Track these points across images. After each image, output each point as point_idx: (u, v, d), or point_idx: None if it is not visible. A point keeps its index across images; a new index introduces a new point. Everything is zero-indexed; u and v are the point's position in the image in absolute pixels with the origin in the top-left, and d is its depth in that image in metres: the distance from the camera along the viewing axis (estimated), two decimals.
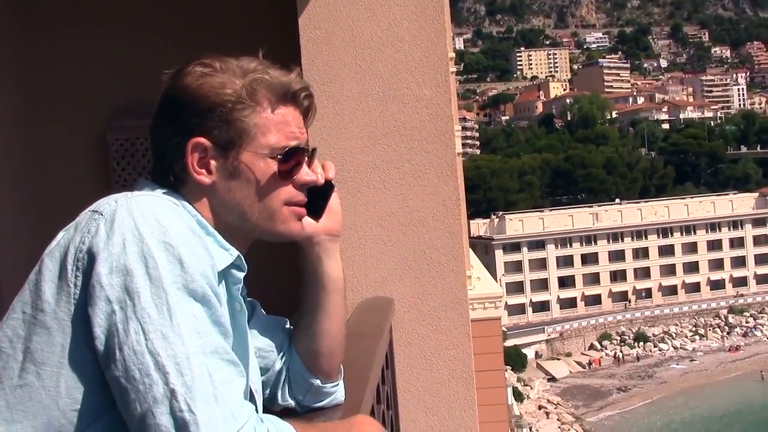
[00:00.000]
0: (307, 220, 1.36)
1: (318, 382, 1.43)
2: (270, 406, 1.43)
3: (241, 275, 1.24)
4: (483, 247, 64.19)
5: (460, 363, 2.64)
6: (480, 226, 70.39)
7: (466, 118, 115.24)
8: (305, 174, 1.29)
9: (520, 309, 68.47)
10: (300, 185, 1.28)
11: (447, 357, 2.64)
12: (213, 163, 1.23)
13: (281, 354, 1.43)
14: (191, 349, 1.01)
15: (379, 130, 2.65)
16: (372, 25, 2.64)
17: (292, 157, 1.26)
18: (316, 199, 1.35)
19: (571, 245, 70.50)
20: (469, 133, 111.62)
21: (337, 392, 1.48)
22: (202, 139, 1.22)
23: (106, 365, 1.03)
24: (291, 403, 1.44)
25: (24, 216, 3.35)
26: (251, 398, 1.28)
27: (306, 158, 1.30)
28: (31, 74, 3.66)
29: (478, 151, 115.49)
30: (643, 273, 72.62)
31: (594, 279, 71.25)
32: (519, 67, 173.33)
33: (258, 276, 1.43)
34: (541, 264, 69.81)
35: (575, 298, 71.08)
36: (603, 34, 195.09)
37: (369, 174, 2.64)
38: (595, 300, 71.38)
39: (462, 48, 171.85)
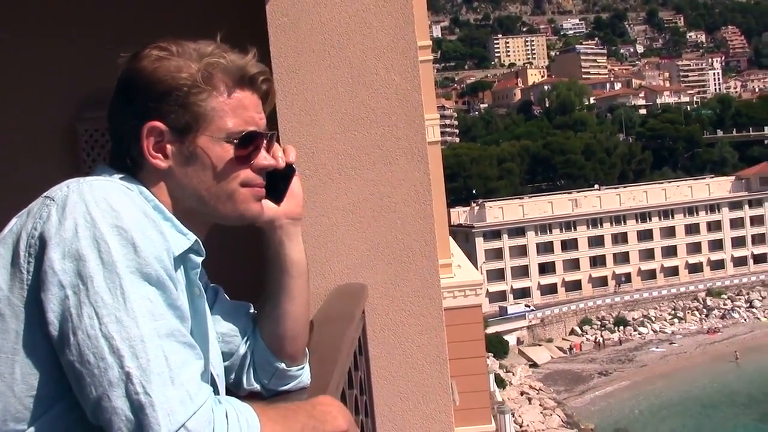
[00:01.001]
0: (269, 204, 1.36)
1: (283, 365, 1.44)
2: (235, 391, 1.44)
3: (200, 260, 1.24)
4: (463, 235, 64.41)
5: (434, 348, 2.65)
6: (460, 214, 70.60)
7: (445, 106, 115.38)
8: (263, 158, 1.29)
9: (501, 296, 68.83)
10: (258, 169, 1.28)
11: (421, 342, 2.65)
12: (169, 147, 1.22)
13: (245, 338, 1.44)
14: (146, 332, 1.00)
15: (349, 116, 2.64)
16: (339, 11, 2.63)
17: (249, 142, 1.26)
18: (277, 182, 1.35)
19: (550, 231, 70.92)
20: (448, 122, 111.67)
21: (303, 375, 1.48)
22: (158, 123, 1.21)
23: (61, 350, 1.03)
24: (256, 387, 1.44)
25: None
26: (212, 382, 1.28)
27: (264, 142, 1.29)
28: None
29: (457, 139, 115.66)
30: (623, 258, 73.24)
31: (574, 265, 71.76)
32: (497, 55, 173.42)
33: (222, 261, 1.43)
34: (522, 251, 70.18)
35: (556, 284, 71.56)
36: (579, 20, 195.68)
37: (339, 160, 2.64)
38: (576, 285, 71.89)
39: (439, 36, 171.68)
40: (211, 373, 1.28)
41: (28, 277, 1.06)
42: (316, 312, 2.43)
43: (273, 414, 1.10)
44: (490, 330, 54.62)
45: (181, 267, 1.20)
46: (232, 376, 1.44)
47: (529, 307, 66.95)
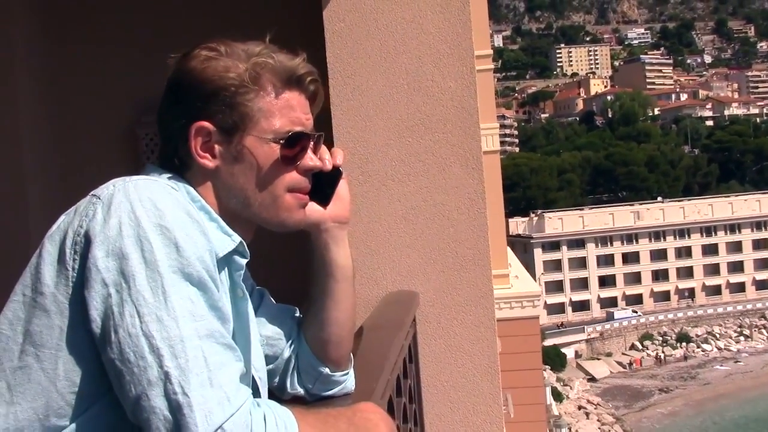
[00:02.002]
0: (315, 207, 1.35)
1: (327, 370, 1.43)
2: (279, 395, 1.43)
3: (244, 262, 1.23)
4: (522, 246, 63.70)
5: (485, 358, 2.61)
6: (519, 225, 69.86)
7: (505, 115, 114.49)
8: (309, 159, 1.28)
9: (559, 308, 67.81)
10: (304, 171, 1.27)
11: (472, 352, 2.61)
12: (217, 147, 1.22)
13: (290, 342, 1.43)
14: (186, 332, 1.00)
15: (404, 122, 2.63)
16: (396, 17, 2.62)
17: (296, 143, 1.25)
18: (324, 186, 1.33)
19: (611, 244, 69.55)
20: (508, 131, 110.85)
21: (347, 381, 1.47)
22: (206, 123, 1.21)
23: (102, 348, 1.03)
24: (300, 391, 1.43)
25: (54, 211, 3.39)
26: (254, 385, 1.27)
27: (311, 143, 1.28)
28: (61, 70, 3.72)
29: (517, 149, 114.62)
30: (686, 272, 71.37)
31: (635, 278, 70.23)
32: (559, 64, 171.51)
33: (269, 264, 1.43)
34: (581, 263, 69.02)
35: (616, 298, 70.12)
36: (645, 29, 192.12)
37: (394, 167, 2.63)
38: (636, 300, 70.33)
39: (501, 45, 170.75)
40: (253, 376, 1.28)
41: (73, 274, 1.07)
42: (366, 318, 2.42)
43: (312, 419, 1.09)
44: (548, 342, 53.85)
45: (225, 268, 1.20)
46: (276, 380, 1.43)
47: (636, 312, 66.31)
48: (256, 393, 1.28)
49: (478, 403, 2.60)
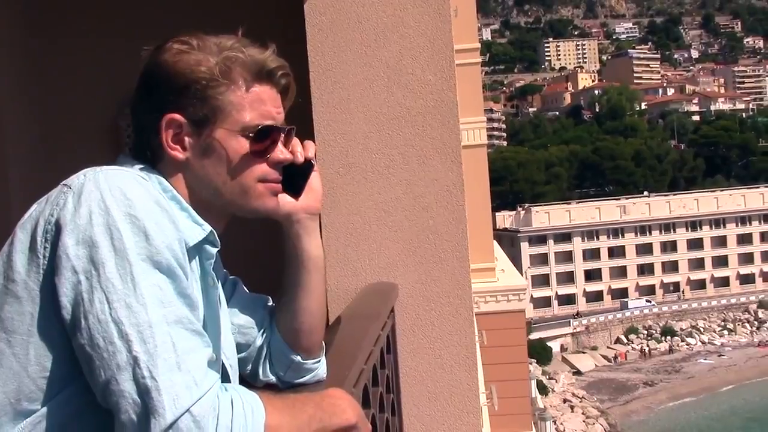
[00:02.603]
0: (287, 199, 1.37)
1: (299, 358, 1.45)
2: (252, 382, 1.46)
3: (214, 251, 1.26)
4: (509, 239, 63.91)
5: (463, 349, 2.64)
6: (506, 218, 70.05)
7: (493, 109, 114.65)
8: (279, 153, 1.30)
9: (545, 302, 68.11)
10: (274, 164, 1.30)
11: (450, 343, 2.64)
12: (187, 139, 1.25)
13: (262, 331, 1.46)
14: (154, 318, 1.02)
15: (384, 115, 2.65)
16: (377, 11, 2.64)
17: (266, 136, 1.27)
18: (296, 177, 1.36)
19: (598, 238, 69.92)
20: (495, 125, 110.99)
21: (319, 369, 1.50)
22: (177, 116, 1.23)
23: (72, 334, 1.05)
24: (272, 378, 1.46)
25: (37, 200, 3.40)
26: (224, 372, 1.30)
27: (281, 137, 1.31)
28: (43, 62, 3.71)
29: (504, 143, 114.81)
30: (671, 267, 71.87)
31: (621, 272, 70.63)
32: (547, 58, 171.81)
33: (242, 255, 1.45)
34: (568, 257, 69.34)
35: (602, 291, 70.51)
36: (633, 24, 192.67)
37: (373, 159, 2.65)
38: (622, 293, 70.75)
39: (489, 39, 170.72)
40: (223, 363, 1.30)
41: (44, 261, 1.09)
42: (344, 309, 2.45)
43: (279, 403, 1.11)
44: (534, 336, 54.09)
45: (196, 257, 1.22)
46: (249, 368, 1.46)
47: (651, 302, 66.83)
48: (225, 379, 1.31)
49: (455, 394, 2.63)
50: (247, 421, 1.02)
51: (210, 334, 1.16)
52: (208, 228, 1.24)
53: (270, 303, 1.50)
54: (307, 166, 1.39)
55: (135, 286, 1.03)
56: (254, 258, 1.76)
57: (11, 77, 3.69)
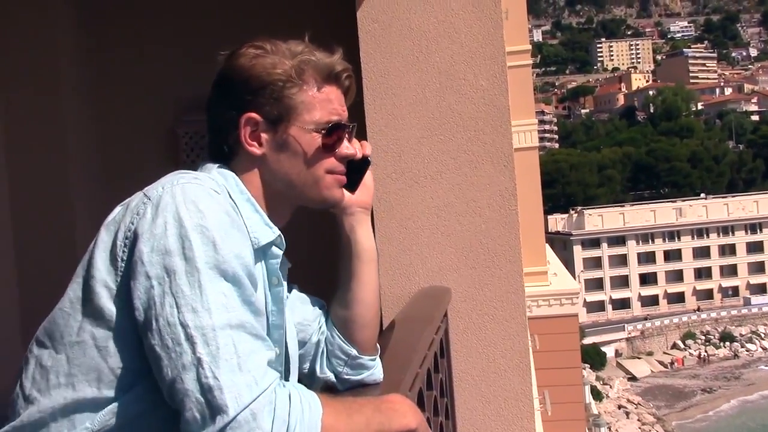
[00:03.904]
0: (344, 191, 1.46)
1: (354, 351, 1.51)
2: (309, 381, 1.50)
3: (280, 252, 1.34)
4: (561, 243, 63.16)
5: (517, 354, 2.64)
6: (558, 222, 69.23)
7: (545, 111, 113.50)
8: (345, 147, 1.40)
9: (599, 306, 67.06)
10: (341, 157, 1.40)
11: (503, 347, 2.64)
12: (263, 136, 1.35)
13: (318, 326, 1.52)
14: (218, 322, 1.08)
15: (436, 120, 2.67)
16: (429, 17, 2.66)
17: (334, 132, 1.37)
18: (353, 173, 1.45)
19: (653, 241, 68.56)
20: (547, 127, 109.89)
21: (375, 369, 1.54)
22: (254, 114, 1.33)
23: (144, 334, 1.12)
24: (330, 375, 1.51)
25: (98, 208, 3.52)
26: (287, 366, 1.36)
27: (347, 133, 1.40)
28: (103, 74, 3.84)
29: (556, 145, 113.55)
30: (730, 270, 70.07)
31: (677, 276, 69.14)
32: (599, 59, 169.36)
33: (299, 266, 1.50)
34: (622, 260, 68.16)
35: (657, 296, 69.13)
36: (688, 22, 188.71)
37: (426, 164, 2.67)
38: (679, 298, 69.25)
39: (540, 40, 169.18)
40: (288, 353, 1.37)
41: (122, 264, 1.16)
42: (398, 313, 2.47)
43: (338, 404, 1.15)
44: (587, 340, 53.31)
45: (263, 257, 1.30)
46: (306, 365, 1.51)
47: None
48: (288, 373, 1.38)
49: (509, 398, 2.63)
50: (304, 416, 1.06)
51: (276, 329, 1.25)
52: (276, 232, 1.33)
53: (325, 305, 1.57)
54: (363, 163, 1.48)
55: (202, 292, 1.09)
56: (308, 270, 1.78)
57: (73, 90, 3.81)
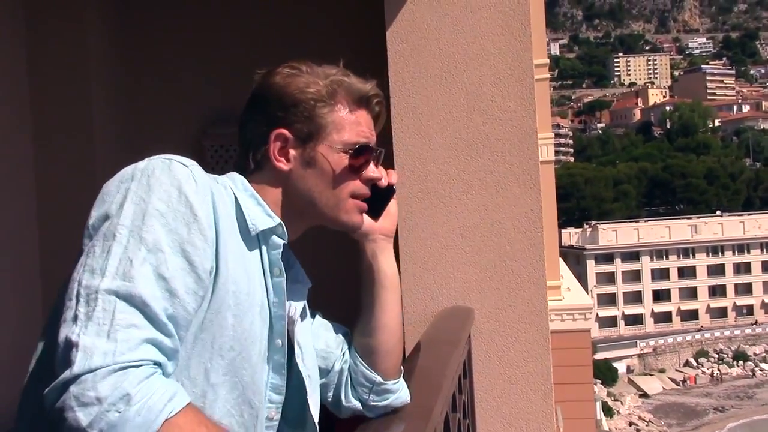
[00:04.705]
0: (366, 220, 1.47)
1: (379, 378, 1.50)
2: (336, 411, 1.51)
3: (281, 242, 1.34)
4: (574, 257, 62.91)
5: (539, 376, 2.64)
6: (572, 236, 68.98)
7: (560, 124, 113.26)
8: (372, 171, 1.42)
9: (611, 321, 66.66)
10: (366, 180, 1.41)
11: (526, 369, 2.64)
12: (292, 152, 1.37)
13: (342, 354, 1.52)
14: (105, 286, 1.08)
15: (463, 141, 2.68)
16: (458, 38, 2.67)
17: (362, 154, 1.39)
18: (377, 200, 1.46)
19: (667, 258, 68.14)
20: (562, 140, 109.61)
21: (401, 391, 1.53)
22: (285, 131, 1.36)
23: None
24: (356, 404, 1.51)
25: None
26: (301, 381, 1.38)
27: (374, 157, 1.42)
28: (132, 85, 3.88)
29: (572, 159, 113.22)
30: (744, 289, 69.48)
31: (691, 293, 68.64)
32: (617, 73, 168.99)
33: (322, 293, 1.51)
34: (635, 276, 67.76)
35: (670, 313, 68.64)
36: (707, 39, 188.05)
37: (452, 184, 2.68)
38: (692, 315, 68.72)
39: (557, 53, 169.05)
40: (299, 371, 1.38)
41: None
42: (423, 333, 2.47)
43: (201, 416, 1.10)
44: (599, 356, 52.99)
45: (263, 246, 1.31)
46: (330, 394, 1.51)
47: None
48: (302, 388, 1.39)
49: (531, 420, 2.62)
50: (154, 402, 1.03)
51: (277, 321, 1.29)
52: (277, 220, 1.33)
53: (347, 332, 1.56)
54: (388, 191, 1.49)
55: (108, 256, 1.11)
56: (331, 297, 1.79)
57: (103, 101, 3.86)
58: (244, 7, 4.01)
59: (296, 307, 1.41)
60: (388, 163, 2.68)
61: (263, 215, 1.32)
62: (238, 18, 3.94)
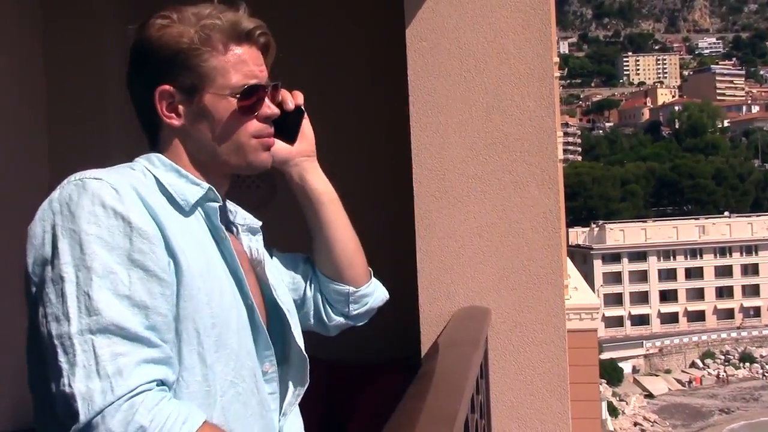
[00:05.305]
0: (283, 146, 1.48)
1: (351, 288, 1.54)
2: (324, 331, 1.57)
3: (216, 205, 1.33)
4: (581, 257, 62.78)
5: (555, 377, 2.63)
6: (579, 235, 68.81)
7: (569, 123, 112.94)
8: (267, 108, 1.36)
9: (618, 321, 66.54)
10: (263, 119, 1.36)
11: (542, 370, 2.63)
12: (180, 107, 1.32)
13: (308, 281, 1.55)
14: (75, 329, 1.08)
15: (482, 140, 2.66)
16: (478, 37, 2.66)
17: (251, 94, 1.34)
18: (290, 125, 1.47)
19: (674, 258, 67.94)
20: (570, 139, 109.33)
21: (376, 291, 1.59)
22: (168, 87, 1.30)
23: None
24: (340, 319, 1.56)
25: None
26: (281, 316, 1.41)
27: (267, 93, 1.37)
28: None
29: (579, 158, 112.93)
30: (752, 290, 69.25)
31: (698, 294, 68.45)
32: (626, 73, 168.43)
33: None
34: (642, 276, 67.60)
35: (677, 313, 68.47)
36: (717, 39, 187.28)
37: (469, 184, 2.66)
38: (699, 316, 68.53)
39: (566, 52, 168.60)
40: (281, 306, 1.40)
41: None
42: (440, 334, 2.46)
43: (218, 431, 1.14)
44: (604, 355, 52.90)
45: (202, 215, 1.30)
46: (312, 321, 1.55)
47: None
48: (281, 322, 1.41)
49: (546, 422, 2.61)
50: (171, 427, 1.05)
51: (230, 284, 1.27)
52: (206, 186, 1.31)
53: (307, 257, 1.59)
54: (298, 113, 1.48)
55: (64, 299, 1.10)
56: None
57: (118, 99, 3.86)
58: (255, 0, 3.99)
59: (257, 248, 1.43)
60: (404, 162, 2.67)
61: (189, 185, 1.29)
62: (251, 12, 3.93)
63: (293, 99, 1.48)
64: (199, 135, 1.32)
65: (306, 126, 1.53)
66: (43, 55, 3.87)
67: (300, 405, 1.44)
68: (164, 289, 1.15)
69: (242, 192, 3.55)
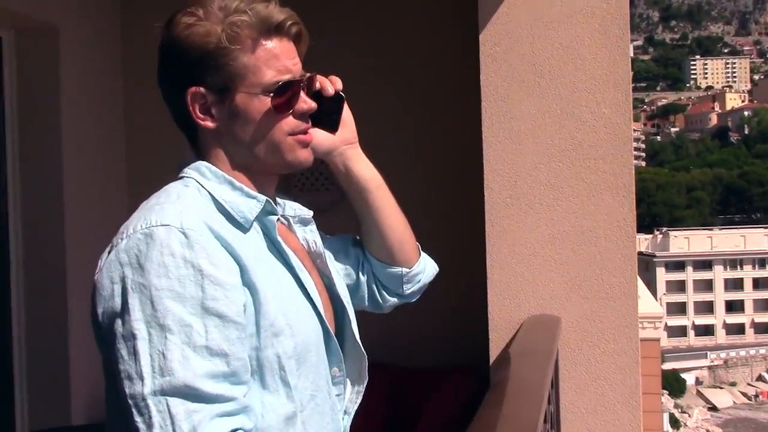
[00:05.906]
0: (326, 135, 1.42)
1: (404, 269, 1.52)
2: (378, 310, 1.56)
3: (275, 218, 1.29)
4: (644, 264, 61.37)
5: (627, 389, 2.58)
6: (641, 242, 67.26)
7: (633, 128, 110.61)
8: (303, 103, 1.29)
9: (681, 331, 64.89)
10: (300, 114, 1.30)
11: (614, 381, 2.58)
12: (214, 108, 1.26)
13: (360, 265, 1.53)
14: (148, 390, 1.07)
15: (555, 147, 2.63)
16: (552, 42, 2.63)
17: (285, 91, 1.27)
18: (330, 113, 1.41)
19: (742, 267, 65.89)
20: (635, 144, 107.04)
21: (427, 266, 1.56)
22: (199, 88, 1.25)
23: None
24: (394, 299, 1.55)
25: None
26: (342, 306, 1.39)
27: (302, 87, 1.30)
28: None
29: (643, 163, 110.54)
30: None
31: (766, 305, 66.22)
32: (693, 76, 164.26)
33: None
34: (707, 285, 65.76)
35: (744, 324, 66.40)
36: None
37: (542, 191, 2.64)
38: (766, 328, 66.30)
39: (632, 55, 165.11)
40: (341, 299, 1.39)
41: None
42: (512, 342, 2.45)
43: None
44: (666, 366, 51.67)
45: (260, 230, 1.26)
46: (367, 303, 1.53)
47: None
48: (343, 314, 1.39)
49: None
50: None
51: (300, 298, 1.25)
52: (263, 198, 1.27)
53: (356, 238, 1.56)
54: (338, 99, 1.42)
55: (136, 358, 1.09)
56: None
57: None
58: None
59: (314, 240, 1.40)
60: (476, 168, 2.66)
61: (245, 199, 1.24)
62: (325, 14, 3.96)
63: (333, 84, 1.41)
64: (234, 136, 1.26)
65: (346, 112, 1.47)
66: (121, 61, 3.98)
67: (366, 407, 1.43)
68: (240, 333, 1.13)
69: (312, 195, 3.60)
